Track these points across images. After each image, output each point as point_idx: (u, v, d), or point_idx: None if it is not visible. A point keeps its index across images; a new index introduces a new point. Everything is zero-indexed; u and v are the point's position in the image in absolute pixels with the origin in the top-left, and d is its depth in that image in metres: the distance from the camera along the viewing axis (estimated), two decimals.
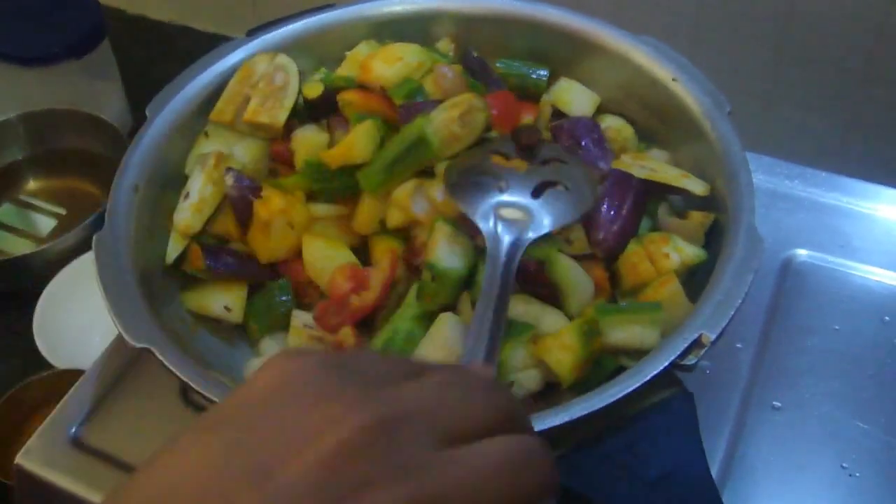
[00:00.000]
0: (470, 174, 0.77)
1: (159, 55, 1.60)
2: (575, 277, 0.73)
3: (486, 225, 0.71)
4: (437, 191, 0.77)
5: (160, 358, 0.65)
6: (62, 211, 1.40)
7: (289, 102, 0.84)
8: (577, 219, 0.74)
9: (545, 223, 0.72)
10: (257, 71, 0.86)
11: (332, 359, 0.37)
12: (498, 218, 0.72)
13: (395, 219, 0.78)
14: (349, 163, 0.79)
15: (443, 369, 0.40)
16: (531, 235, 0.71)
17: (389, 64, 0.84)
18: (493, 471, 0.34)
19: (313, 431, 0.33)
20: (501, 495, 0.34)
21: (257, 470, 0.32)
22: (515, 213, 0.73)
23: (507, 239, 0.70)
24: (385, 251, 0.78)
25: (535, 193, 0.74)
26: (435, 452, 0.34)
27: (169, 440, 0.35)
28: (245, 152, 0.84)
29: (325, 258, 0.77)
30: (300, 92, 0.85)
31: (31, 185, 1.44)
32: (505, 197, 0.74)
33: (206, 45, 0.92)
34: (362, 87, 0.85)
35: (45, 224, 1.40)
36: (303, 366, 0.36)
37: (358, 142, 0.78)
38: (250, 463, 0.33)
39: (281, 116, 0.83)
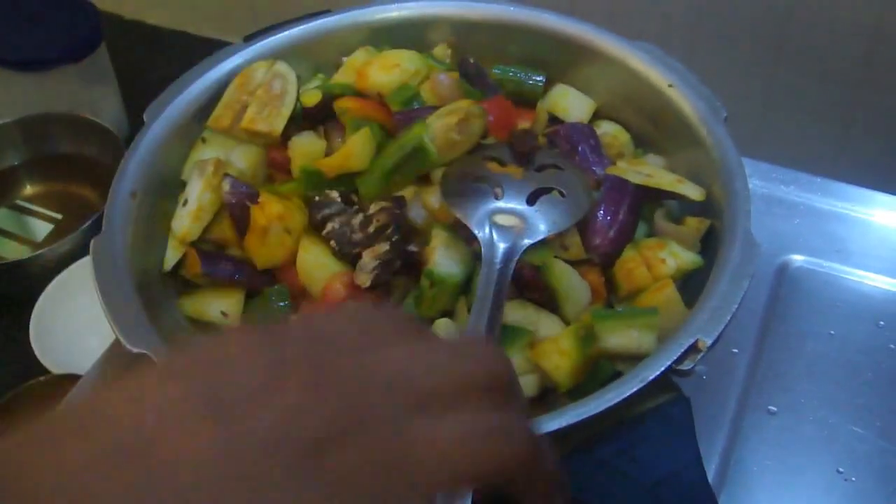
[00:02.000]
0: (465, 180, 0.77)
1: (157, 60, 1.60)
2: (571, 282, 0.73)
3: (481, 231, 0.72)
4: (433, 197, 0.77)
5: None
6: (59, 216, 1.40)
7: (286, 111, 0.84)
8: (572, 225, 0.74)
9: (540, 229, 0.73)
10: (255, 78, 0.86)
11: (306, 330, 0.37)
12: (493, 224, 0.72)
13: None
14: (346, 171, 0.79)
15: (431, 336, 0.40)
16: (526, 242, 0.71)
17: (386, 71, 0.85)
18: (461, 443, 0.34)
19: (279, 388, 0.33)
20: (468, 469, 0.34)
21: (222, 413, 0.32)
22: (511, 220, 0.73)
23: (502, 245, 0.70)
24: None
25: (531, 200, 0.75)
26: (408, 416, 0.34)
27: (121, 380, 0.33)
28: (242, 158, 0.84)
29: (319, 266, 0.77)
30: (298, 99, 0.85)
31: (28, 189, 1.44)
32: (500, 203, 0.75)
33: (203, 50, 0.92)
34: (359, 94, 0.85)
35: (42, 229, 1.40)
36: (266, 339, 0.35)
37: (355, 150, 0.79)
38: (216, 406, 0.32)
39: (278, 124, 0.83)
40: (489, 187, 0.76)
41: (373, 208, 0.76)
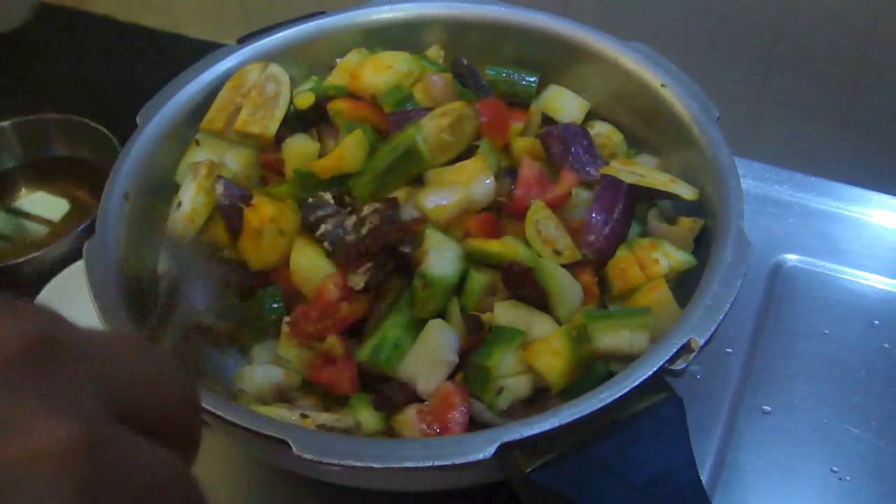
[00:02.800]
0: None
1: (151, 62, 1.60)
2: (563, 283, 0.73)
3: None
4: (427, 199, 0.77)
5: None
6: (55, 218, 1.40)
7: (280, 113, 0.84)
8: None
9: None
10: (249, 80, 0.86)
11: None
12: None
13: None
14: (340, 172, 0.79)
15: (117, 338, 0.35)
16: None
17: (379, 72, 0.85)
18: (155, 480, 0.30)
19: None
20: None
21: None
22: None
23: None
24: None
25: None
26: (109, 417, 0.30)
27: None
28: (235, 160, 0.84)
29: (313, 268, 0.77)
30: (291, 102, 0.85)
31: (24, 192, 1.44)
32: None
33: (197, 52, 0.92)
34: (352, 95, 0.85)
35: (39, 232, 1.40)
36: None
37: (348, 152, 0.79)
38: None
39: (271, 127, 0.84)
40: None
41: (366, 210, 0.76)
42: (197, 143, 0.85)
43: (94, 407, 0.29)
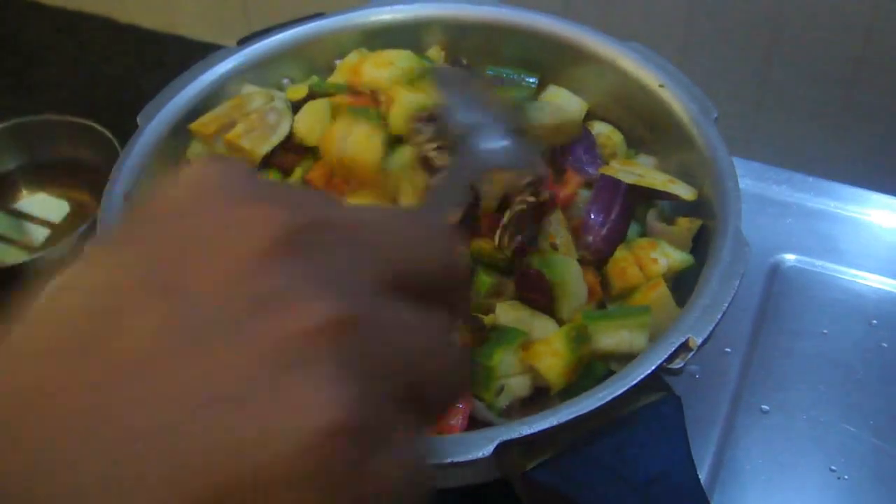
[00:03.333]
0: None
1: (150, 64, 1.60)
2: (574, 277, 0.73)
3: (466, 116, 0.71)
4: None
5: None
6: (56, 220, 1.40)
7: (275, 139, 0.83)
8: (526, 163, 0.74)
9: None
10: (252, 105, 0.85)
11: (258, 178, 0.32)
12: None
13: (408, 197, 0.78)
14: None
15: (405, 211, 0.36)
16: (503, 144, 0.70)
17: (380, 68, 0.85)
18: (423, 344, 0.31)
19: (227, 238, 0.29)
20: (423, 370, 0.30)
21: (160, 282, 0.29)
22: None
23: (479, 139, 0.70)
24: None
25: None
26: (372, 285, 0.30)
27: (78, 257, 0.30)
28: None
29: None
30: (291, 135, 0.84)
31: (25, 194, 1.44)
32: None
33: (197, 53, 0.92)
34: (353, 91, 0.85)
35: (39, 234, 1.40)
36: (224, 169, 0.32)
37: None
38: (153, 275, 0.29)
39: (263, 148, 0.83)
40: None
41: None
42: (188, 162, 0.85)
43: (362, 283, 0.30)
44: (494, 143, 0.69)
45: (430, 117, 0.77)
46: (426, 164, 0.76)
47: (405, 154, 0.79)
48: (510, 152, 0.70)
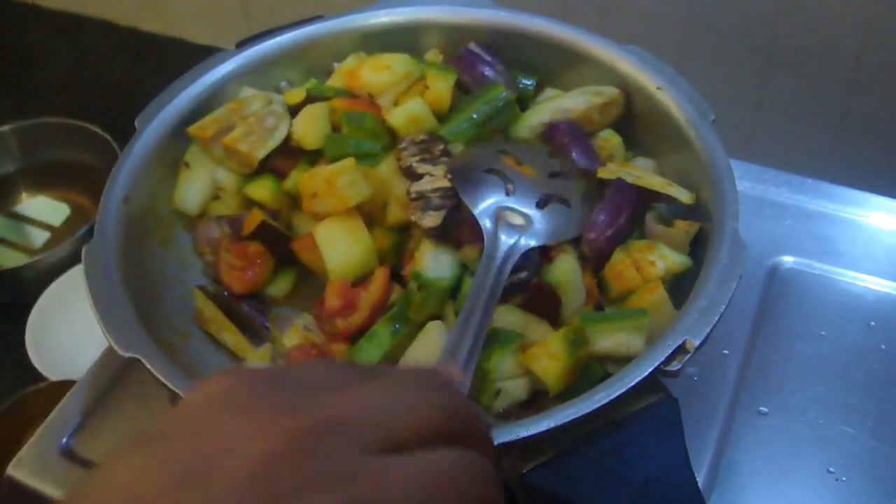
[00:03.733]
0: (479, 168, 0.78)
1: (149, 66, 1.61)
2: (574, 277, 0.74)
3: (485, 223, 0.73)
4: None
5: (149, 367, 0.66)
6: (55, 223, 1.41)
7: (273, 143, 0.83)
8: (573, 237, 0.75)
9: (543, 235, 0.73)
10: (250, 108, 0.85)
11: (269, 373, 0.39)
12: (500, 219, 0.73)
13: (394, 215, 0.79)
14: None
15: (393, 373, 0.41)
16: (531, 243, 0.72)
17: (378, 72, 0.85)
18: (426, 483, 0.35)
19: (242, 439, 0.34)
20: None
21: (188, 476, 0.33)
22: (517, 219, 0.74)
23: (505, 241, 0.71)
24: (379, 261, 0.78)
25: (540, 204, 0.76)
26: (365, 459, 0.35)
27: (114, 451, 0.36)
28: (226, 176, 0.84)
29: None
30: (288, 139, 0.84)
31: (25, 197, 1.45)
32: (511, 200, 0.75)
33: (196, 56, 0.92)
34: (350, 94, 0.85)
35: (39, 236, 1.40)
36: (237, 380, 0.37)
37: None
38: (182, 469, 0.34)
39: (260, 151, 0.82)
40: (501, 182, 0.77)
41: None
42: (187, 165, 0.85)
43: (365, 466, 0.34)
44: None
45: (421, 141, 0.78)
46: (409, 172, 0.77)
47: (389, 164, 0.80)
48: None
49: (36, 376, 1.17)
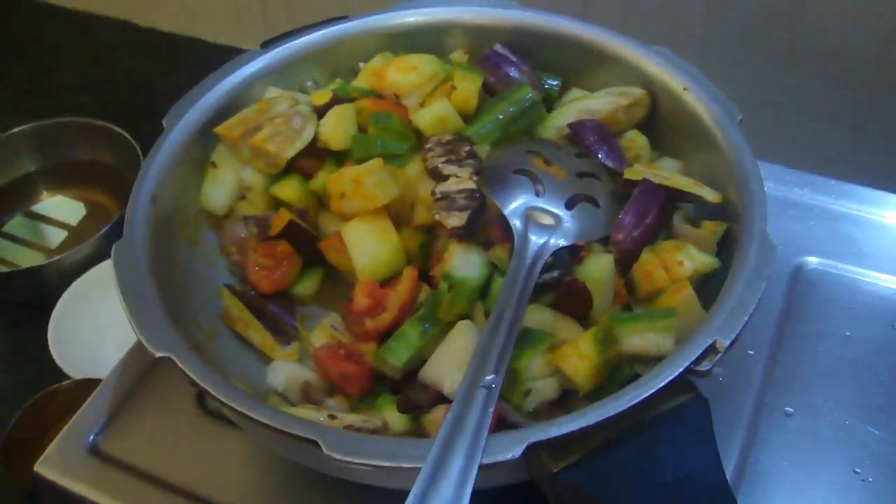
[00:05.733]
0: (508, 169, 0.78)
1: (169, 66, 1.61)
2: (608, 276, 0.75)
3: (515, 222, 0.73)
4: None
5: (181, 366, 0.66)
6: (73, 222, 1.41)
7: (300, 144, 0.84)
8: (602, 237, 0.75)
9: (573, 234, 0.74)
10: (277, 108, 0.86)
11: None
12: (529, 219, 0.73)
13: (421, 216, 0.80)
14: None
15: None
16: (560, 242, 0.73)
17: (404, 73, 0.86)
18: None
19: None
20: None
21: None
22: (547, 219, 0.74)
23: (535, 241, 0.71)
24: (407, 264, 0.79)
25: (569, 204, 0.76)
26: None
27: None
28: (253, 176, 0.85)
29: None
30: (315, 140, 0.84)
31: (44, 196, 1.45)
32: (540, 201, 0.76)
33: (215, 56, 0.93)
34: (376, 95, 0.86)
35: (56, 236, 1.41)
36: None
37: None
38: None
39: (288, 151, 0.83)
40: (531, 182, 0.77)
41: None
42: (213, 164, 0.85)
43: None
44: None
45: (447, 142, 0.79)
46: (434, 173, 0.78)
47: (416, 165, 0.80)
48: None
49: (58, 374, 1.17)
